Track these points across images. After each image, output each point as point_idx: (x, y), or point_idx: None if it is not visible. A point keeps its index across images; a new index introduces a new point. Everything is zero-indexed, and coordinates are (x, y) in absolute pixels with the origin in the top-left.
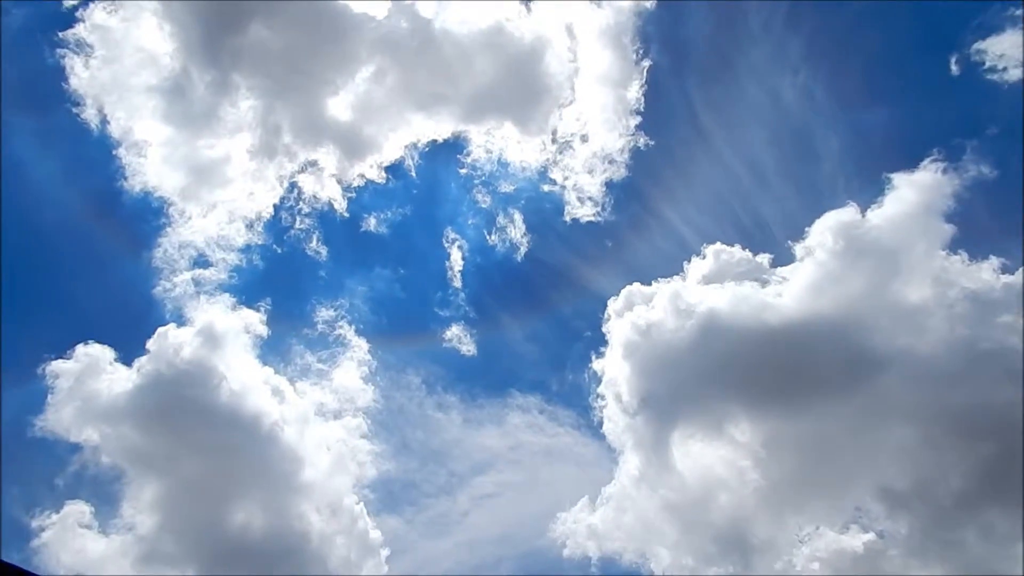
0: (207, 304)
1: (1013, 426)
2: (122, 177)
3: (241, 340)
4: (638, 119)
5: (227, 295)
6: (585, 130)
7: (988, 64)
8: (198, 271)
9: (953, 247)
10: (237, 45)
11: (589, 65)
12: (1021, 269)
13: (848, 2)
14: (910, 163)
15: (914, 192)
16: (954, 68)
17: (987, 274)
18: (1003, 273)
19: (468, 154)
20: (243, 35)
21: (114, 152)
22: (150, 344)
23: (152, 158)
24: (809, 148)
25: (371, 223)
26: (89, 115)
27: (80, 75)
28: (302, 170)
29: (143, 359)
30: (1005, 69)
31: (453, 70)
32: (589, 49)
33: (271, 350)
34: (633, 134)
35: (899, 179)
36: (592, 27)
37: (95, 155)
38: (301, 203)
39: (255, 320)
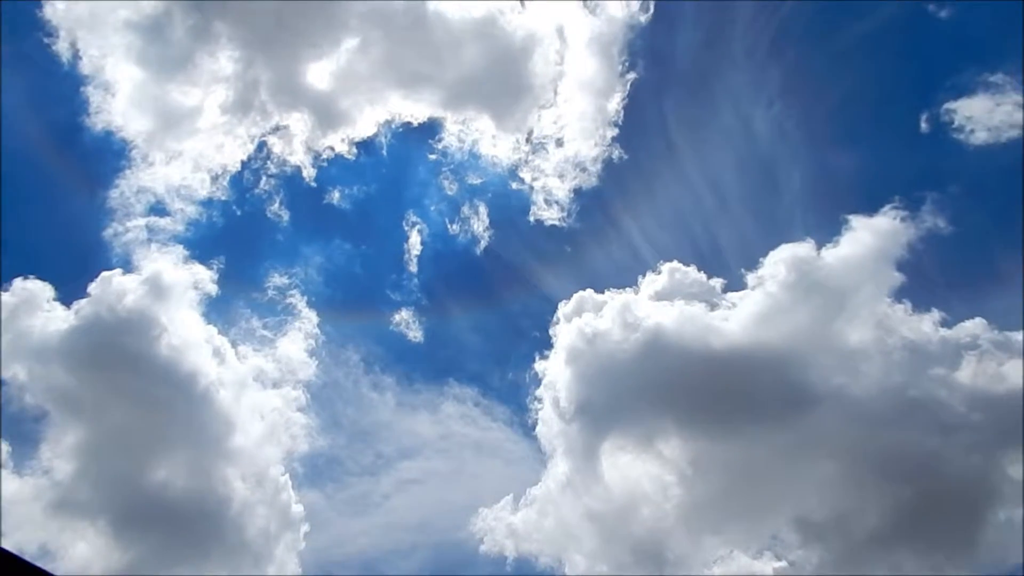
0: (158, 253)
1: (931, 473)
2: (85, 113)
3: (188, 295)
4: (615, 131)
5: (180, 247)
6: (561, 134)
7: (957, 124)
8: (153, 218)
9: (899, 295)
10: None
11: (575, 71)
12: None
13: (831, 44)
14: (870, 208)
15: (870, 236)
16: (924, 124)
17: (927, 326)
18: (942, 327)
19: (441, 140)
20: None
21: (82, 88)
22: (92, 287)
23: (120, 98)
24: (774, 180)
25: (335, 196)
26: (61, 47)
27: (56, 4)
28: (274, 131)
29: (83, 301)
30: (972, 131)
31: (440, 54)
32: (577, 55)
33: (217, 309)
34: (609, 145)
35: (857, 221)
36: (583, 33)
37: (61, 88)
38: (269, 164)
39: (205, 277)
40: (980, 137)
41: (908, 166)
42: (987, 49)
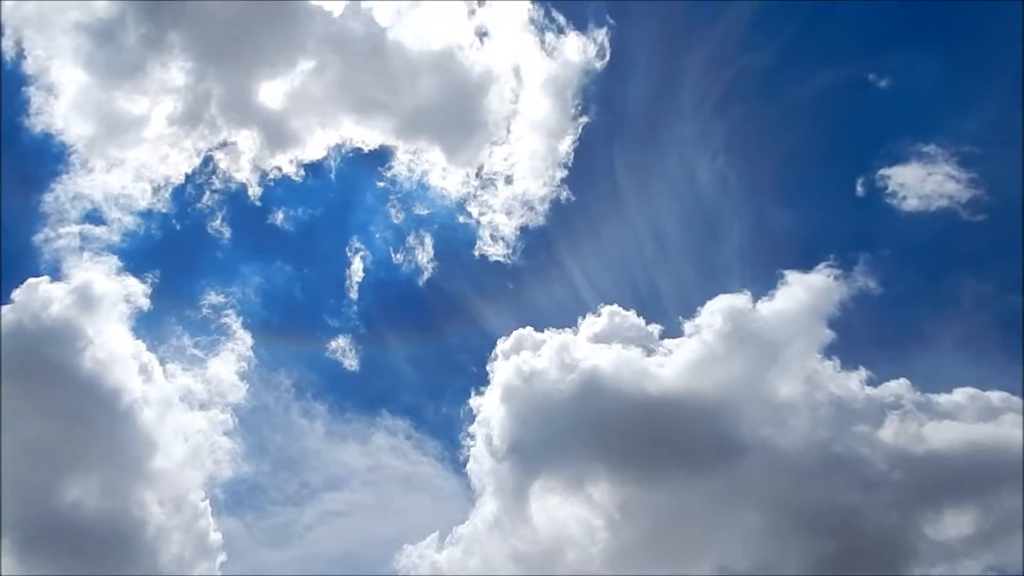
0: (90, 263)
1: (852, 529)
2: (25, 114)
3: (118, 308)
4: (564, 172)
5: (114, 258)
6: (511, 171)
7: (890, 189)
8: (88, 226)
9: (829, 352)
10: (182, 4)
11: (528, 110)
12: None
13: (775, 104)
14: (805, 264)
15: (804, 292)
16: (860, 187)
17: (854, 383)
18: (868, 385)
19: (390, 168)
20: None
21: (24, 88)
22: (16, 293)
23: (64, 101)
24: (714, 231)
25: (279, 216)
26: (6, 46)
27: (4, 3)
28: (221, 146)
29: (5, 307)
30: (905, 197)
31: (396, 83)
32: (532, 95)
33: (148, 325)
34: (557, 185)
35: (792, 277)
36: (539, 75)
37: (1, 87)
38: (214, 179)
39: (138, 290)
40: (912, 204)
41: (843, 227)
42: (921, 121)
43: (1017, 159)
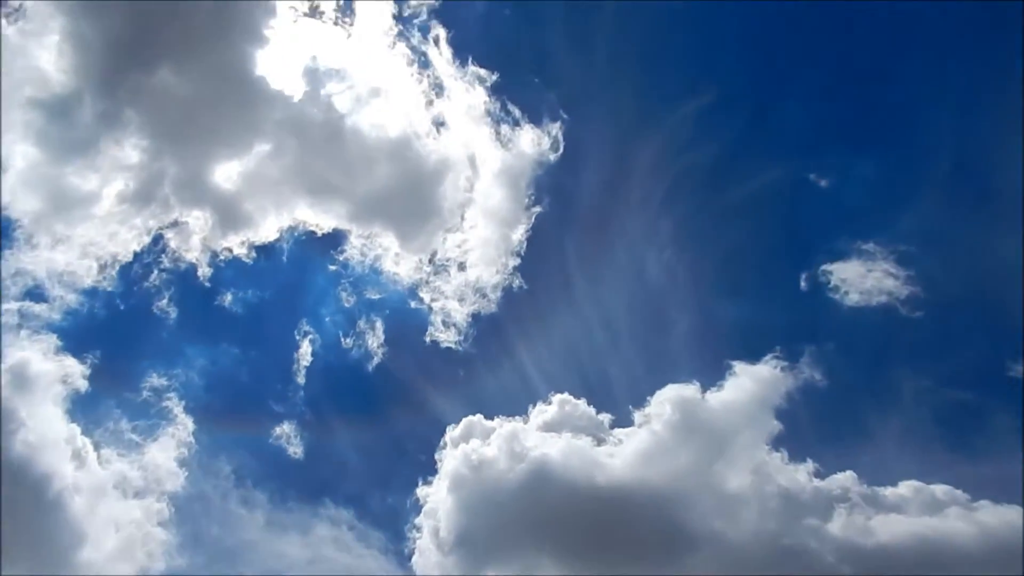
0: (28, 341)
1: None
2: None
3: (54, 389)
4: (517, 260)
5: (54, 336)
6: (465, 258)
7: (832, 284)
8: (28, 303)
9: (776, 444)
10: (140, 82)
11: (483, 199)
12: None
13: (720, 200)
14: (753, 355)
15: (752, 383)
16: (803, 282)
17: (802, 476)
18: (815, 477)
19: (343, 252)
20: (150, 74)
21: None
22: None
23: (11, 175)
24: (663, 322)
25: (228, 298)
26: None
27: None
28: (172, 225)
29: None
30: (847, 292)
31: (352, 168)
32: (487, 184)
33: (85, 408)
34: (510, 273)
35: (741, 368)
36: (494, 165)
37: None
38: (163, 258)
39: (76, 371)
40: (853, 299)
41: (788, 320)
42: (860, 219)
43: (950, 259)
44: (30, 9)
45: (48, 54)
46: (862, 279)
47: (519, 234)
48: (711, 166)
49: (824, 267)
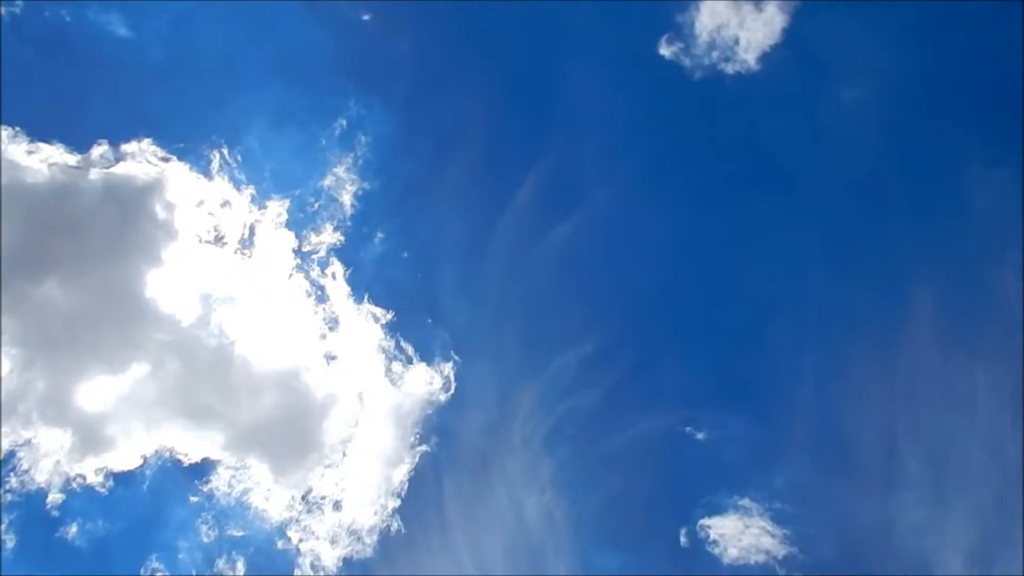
0: None
1: None
2: None
3: None
4: (397, 502)
5: None
6: (341, 496)
7: (712, 538)
8: None
9: None
10: (24, 291)
11: (368, 436)
12: None
13: (598, 447)
14: None
15: None
16: (683, 537)
17: None
18: None
19: (208, 482)
20: (36, 284)
21: None
22: None
23: None
24: (541, 568)
25: (72, 530)
26: None
27: None
28: (26, 444)
29: None
30: (726, 548)
31: (234, 396)
32: (373, 421)
33: None
34: (389, 515)
35: None
36: (383, 403)
37: None
38: (11, 479)
39: None
40: (732, 554)
41: (668, 572)
42: (736, 475)
43: (825, 523)
44: None
45: None
46: (740, 535)
47: (402, 474)
48: (589, 412)
49: (703, 521)
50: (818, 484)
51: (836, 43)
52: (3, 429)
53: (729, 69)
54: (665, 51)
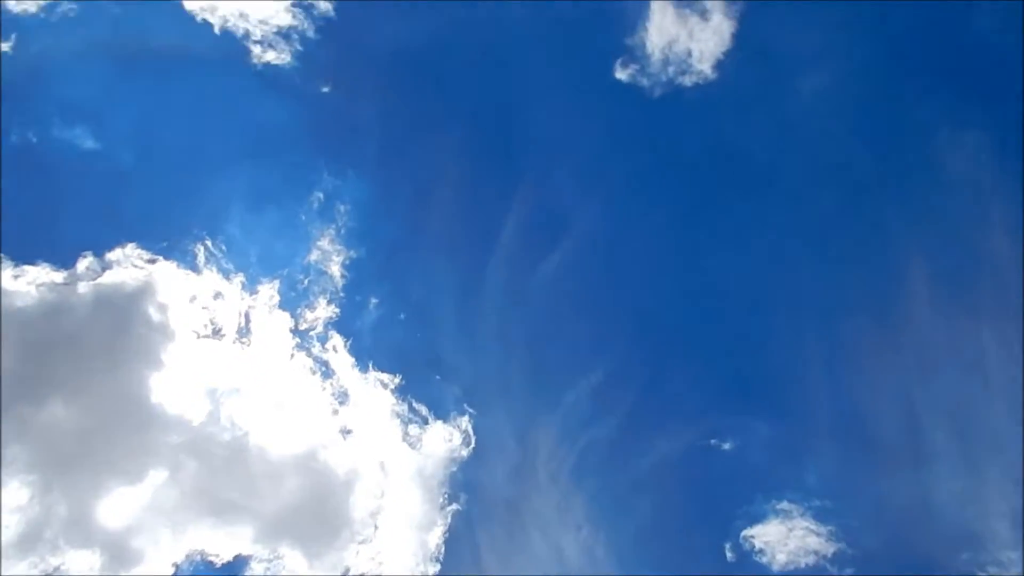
0: None
1: None
2: None
3: None
4: (437, 567)
5: None
6: (380, 570)
7: (758, 548)
8: None
9: None
10: (25, 415)
11: (396, 505)
12: None
13: (626, 474)
14: None
15: None
16: (728, 552)
17: None
18: None
19: None
20: (38, 407)
21: None
22: None
23: None
24: None
25: None
26: None
27: None
28: (55, 571)
29: None
30: (774, 555)
31: (256, 487)
32: (399, 489)
33: None
34: None
35: None
36: (405, 468)
37: None
38: None
39: None
40: (781, 560)
41: None
42: (769, 479)
43: (866, 512)
44: None
45: None
46: (785, 540)
47: (437, 537)
48: (612, 440)
49: (745, 532)
50: (851, 473)
51: (787, 37)
52: (31, 559)
53: (687, 81)
54: (621, 75)
